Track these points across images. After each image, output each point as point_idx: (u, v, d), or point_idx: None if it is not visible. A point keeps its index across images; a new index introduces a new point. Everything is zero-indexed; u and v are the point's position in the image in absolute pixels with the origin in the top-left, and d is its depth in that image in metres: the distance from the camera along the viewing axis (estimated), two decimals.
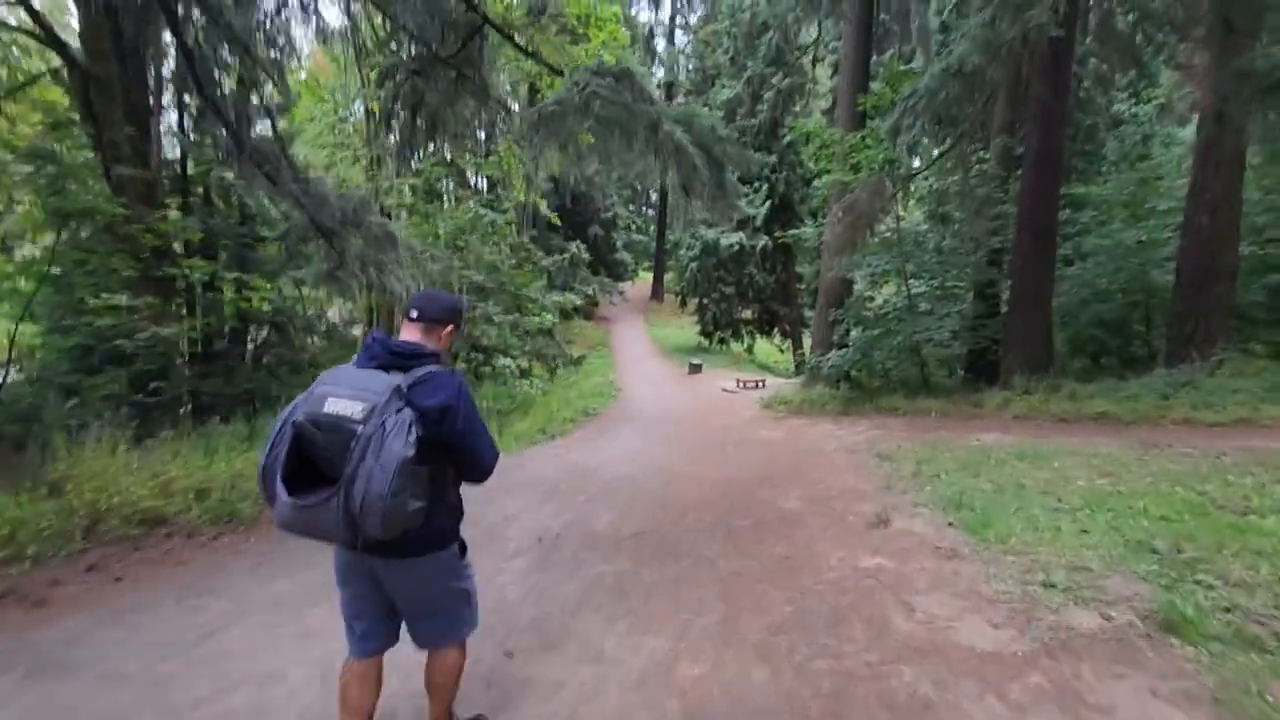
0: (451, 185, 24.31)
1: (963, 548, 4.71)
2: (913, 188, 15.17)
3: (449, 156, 25.45)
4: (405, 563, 2.30)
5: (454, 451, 2.32)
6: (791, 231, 18.07)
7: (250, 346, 17.37)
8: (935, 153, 15.11)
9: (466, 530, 2.63)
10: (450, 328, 2.55)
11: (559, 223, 22.56)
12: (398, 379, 2.16)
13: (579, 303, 19.19)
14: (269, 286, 14.10)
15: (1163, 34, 17.79)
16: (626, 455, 10.59)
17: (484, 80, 9.21)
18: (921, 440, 9.10)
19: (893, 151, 11.42)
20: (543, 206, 20.30)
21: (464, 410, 2.29)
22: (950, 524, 5.14)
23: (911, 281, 14.20)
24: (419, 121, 9.54)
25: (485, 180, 29.05)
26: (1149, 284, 13.44)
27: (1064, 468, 6.57)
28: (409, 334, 2.43)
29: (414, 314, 2.47)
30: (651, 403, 20.19)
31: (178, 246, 12.19)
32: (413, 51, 9.08)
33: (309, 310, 23.73)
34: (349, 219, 9.11)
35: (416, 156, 24.33)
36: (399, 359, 2.28)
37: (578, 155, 8.44)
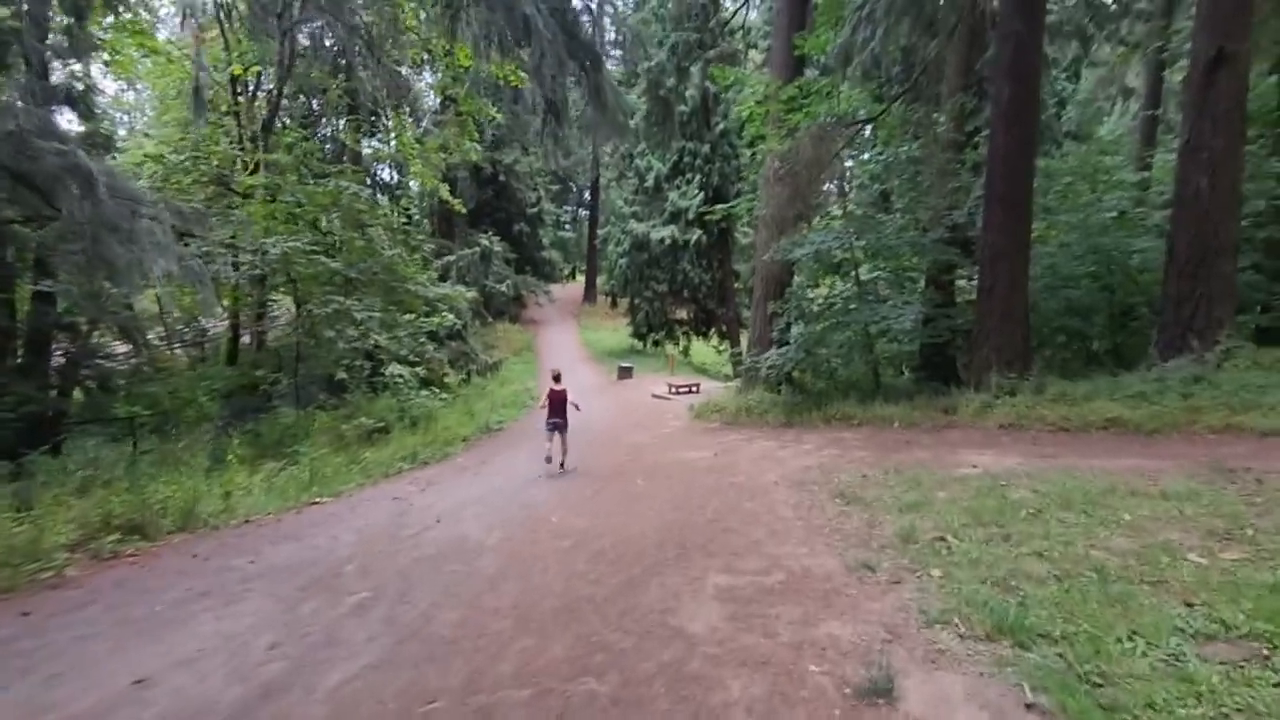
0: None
1: None
2: (865, 157, 12.70)
3: (344, 139, 21.89)
4: None
5: None
6: (720, 206, 15.35)
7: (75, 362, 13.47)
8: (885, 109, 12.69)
9: None
10: None
11: (462, 210, 19.23)
12: None
13: (469, 296, 15.99)
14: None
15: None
16: (494, 497, 7.53)
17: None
18: (893, 466, 6.41)
19: (840, 81, 8.79)
20: (444, 191, 17.00)
21: None
22: (1029, 704, 2.35)
23: (862, 265, 11.69)
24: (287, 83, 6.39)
25: (393, 169, 25.52)
26: (1126, 265, 11.33)
27: (1141, 522, 3.93)
28: None
29: None
30: (571, 414, 17.16)
31: None
32: None
33: (171, 314, 19.74)
34: (73, 173, 5.85)
35: (282, 125, 20.68)
36: None
37: None
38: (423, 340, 17.02)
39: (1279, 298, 10.88)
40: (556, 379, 9.64)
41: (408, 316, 16.48)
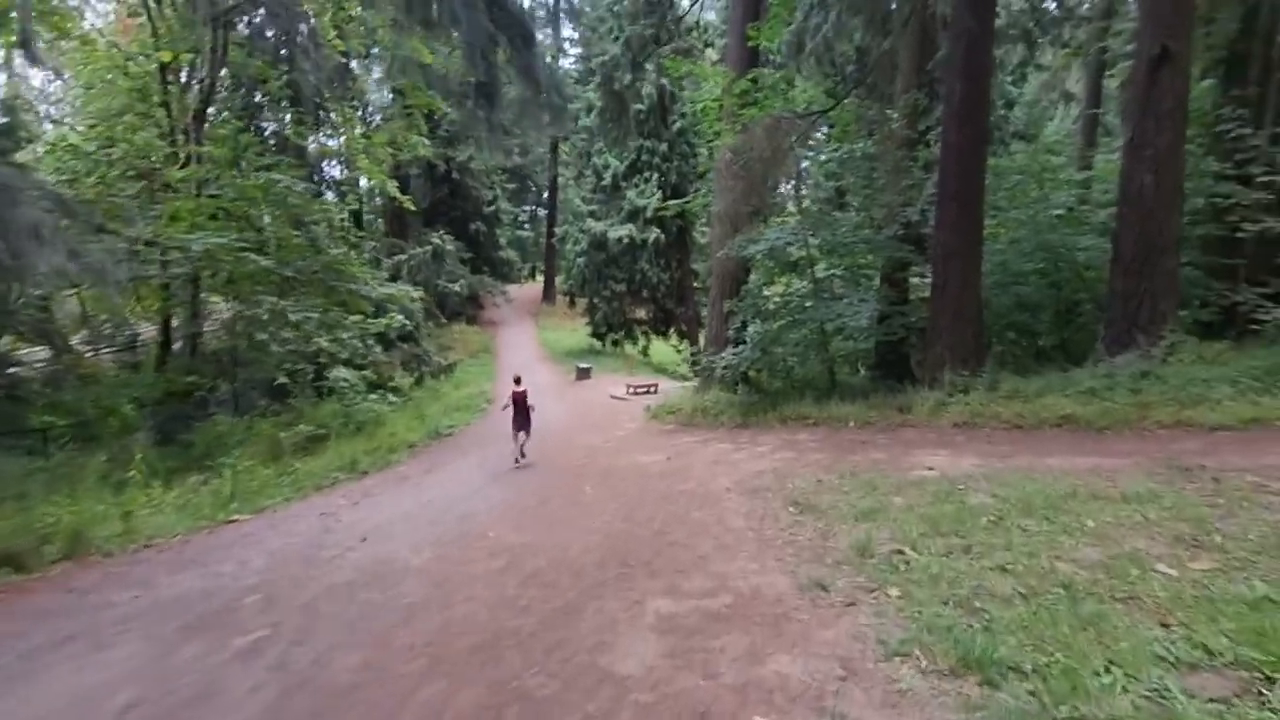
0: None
1: None
2: (822, 158, 12.50)
3: (289, 135, 20.77)
4: None
5: None
6: (675, 201, 14.97)
7: None
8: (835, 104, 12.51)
9: None
10: None
11: (412, 207, 18.44)
12: None
13: (416, 296, 15.28)
14: None
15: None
16: (430, 510, 7.00)
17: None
18: (849, 469, 6.14)
19: (795, 73, 8.53)
20: (391, 188, 16.20)
21: None
22: None
23: (819, 263, 11.49)
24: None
25: (341, 166, 24.46)
26: (1073, 262, 11.42)
27: (1105, 529, 3.69)
28: None
29: None
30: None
31: None
32: None
33: (98, 318, 18.40)
34: None
35: (221, 118, 19.53)
36: None
37: None
38: (370, 342, 16.23)
39: (1216, 293, 11.11)
40: (517, 382, 10.53)
41: (354, 318, 15.69)
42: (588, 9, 30.40)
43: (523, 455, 9.81)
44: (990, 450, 6.42)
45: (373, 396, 16.47)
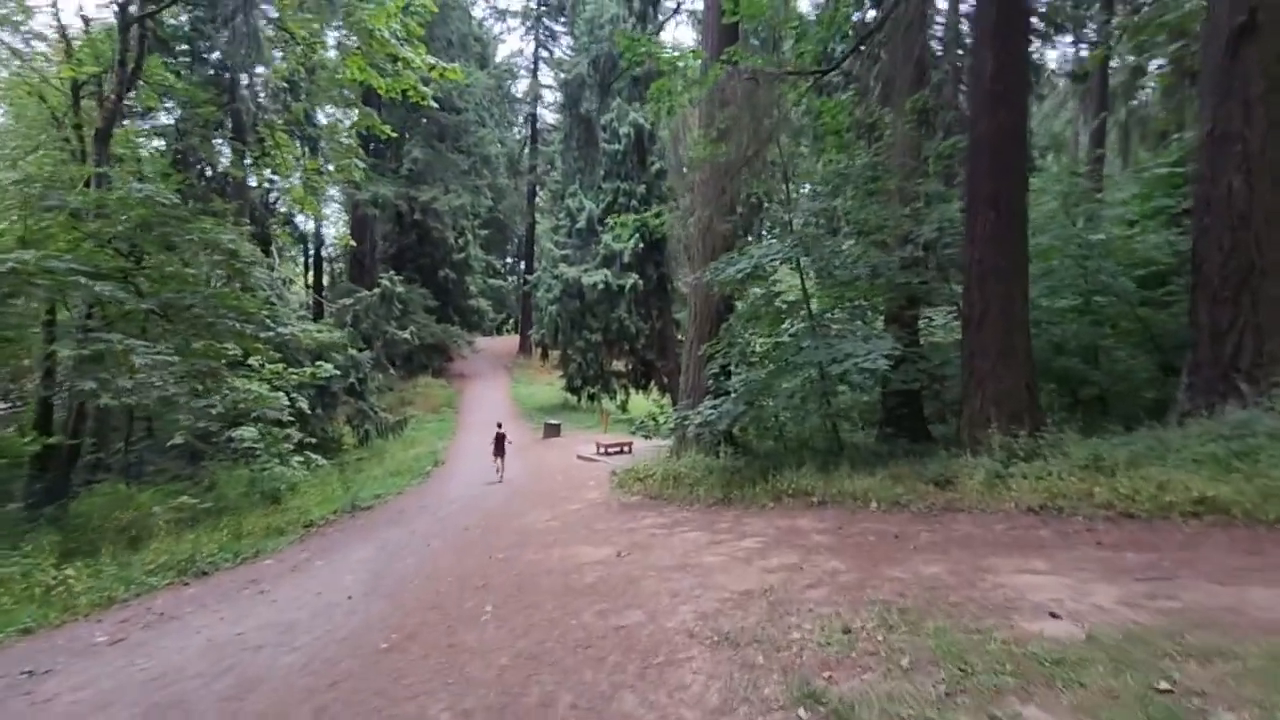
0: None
1: None
2: (818, 163, 10.36)
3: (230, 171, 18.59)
4: None
5: None
6: (633, 217, 12.59)
7: None
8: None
9: None
10: None
11: (352, 243, 16.19)
12: None
13: (335, 338, 12.75)
14: None
15: None
16: (221, 655, 4.32)
17: None
18: (893, 601, 3.57)
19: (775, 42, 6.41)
20: (313, 207, 13.93)
21: None
22: None
23: (813, 297, 9.16)
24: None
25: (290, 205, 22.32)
26: (1126, 294, 9.18)
27: None
28: None
29: None
30: (468, 484, 13.91)
31: None
32: None
33: None
34: None
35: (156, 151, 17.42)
36: None
37: None
38: (294, 396, 13.60)
39: None
40: (500, 426, 14.60)
41: (275, 366, 13.11)
42: (568, 55, 29.32)
43: (499, 477, 13.38)
44: (1113, 562, 3.88)
45: (298, 459, 13.75)
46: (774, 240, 8.33)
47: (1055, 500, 5.28)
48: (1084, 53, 17.01)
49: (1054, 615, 2.99)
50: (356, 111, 15.53)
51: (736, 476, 8.60)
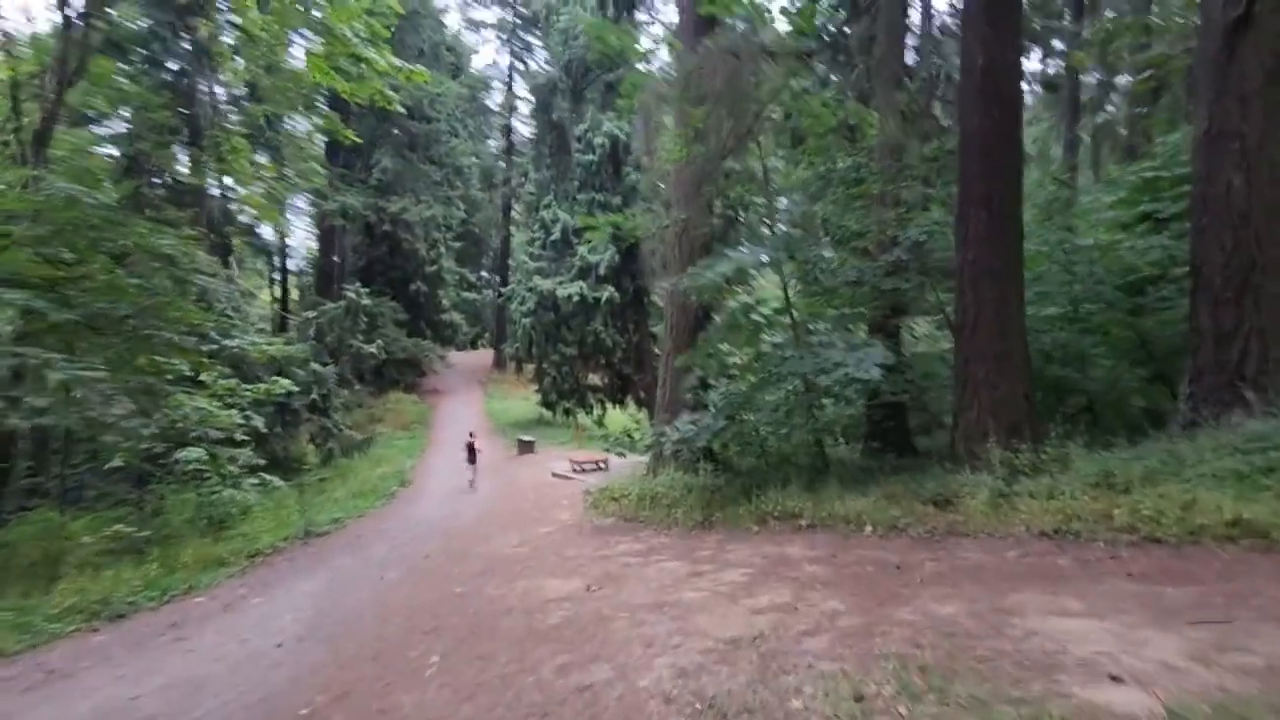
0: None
1: None
2: (797, 168, 9.92)
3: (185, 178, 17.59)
4: None
5: None
6: (607, 219, 11.83)
7: None
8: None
9: None
10: None
11: (314, 249, 15.34)
12: None
13: (285, 348, 11.89)
14: None
15: None
16: None
17: None
18: (907, 653, 2.99)
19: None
20: (273, 216, 13.12)
21: None
22: None
23: (797, 303, 8.64)
24: None
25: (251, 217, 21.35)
26: (1118, 301, 8.84)
27: None
28: None
29: None
30: (435, 504, 13.08)
31: None
32: None
33: None
34: None
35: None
36: None
37: None
38: (246, 413, 12.68)
39: None
40: (471, 435, 15.94)
41: (229, 383, 12.22)
42: (544, 67, 28.83)
43: (472, 485, 14.45)
44: (1155, 599, 3.33)
45: (251, 481, 12.82)
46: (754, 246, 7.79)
47: (1070, 523, 4.75)
48: (1051, 69, 17.07)
49: (1115, 678, 2.41)
50: (321, 118, 14.75)
51: (717, 496, 7.99)
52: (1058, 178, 11.15)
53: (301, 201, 20.95)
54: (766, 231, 8.50)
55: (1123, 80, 16.98)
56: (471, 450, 14.93)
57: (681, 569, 5.47)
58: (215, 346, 9.63)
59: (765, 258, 7.17)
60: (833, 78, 9.98)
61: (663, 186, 8.48)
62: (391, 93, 13.98)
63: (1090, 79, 17.74)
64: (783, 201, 10.79)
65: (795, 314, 8.58)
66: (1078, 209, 11.18)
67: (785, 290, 8.44)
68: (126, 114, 15.92)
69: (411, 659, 4.35)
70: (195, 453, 11.46)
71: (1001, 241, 6.74)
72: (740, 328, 9.30)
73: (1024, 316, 7.05)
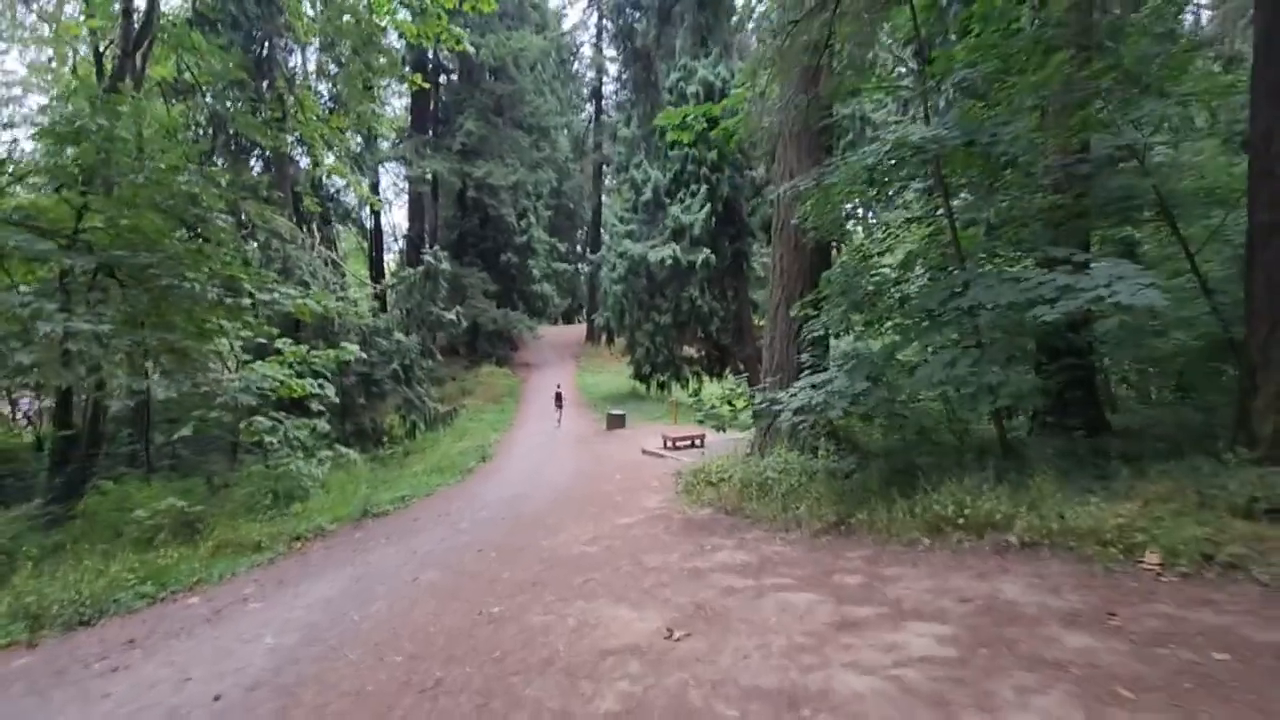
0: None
1: None
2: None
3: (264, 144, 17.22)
4: None
5: None
6: (694, 109, 9.20)
7: None
8: None
9: None
10: None
11: (379, 207, 14.38)
12: None
13: (331, 305, 10.70)
14: None
15: None
16: None
17: None
18: None
19: None
20: (363, 188, 12.09)
21: None
22: None
23: (957, 208, 6.10)
24: None
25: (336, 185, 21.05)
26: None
27: None
28: None
29: None
30: (513, 483, 11.65)
31: None
32: None
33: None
34: None
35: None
36: None
37: None
38: (320, 382, 11.85)
39: None
40: (559, 386, 19.91)
41: (297, 349, 11.43)
42: (638, 25, 26.75)
43: (558, 424, 18.06)
44: None
45: (326, 454, 12.06)
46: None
47: None
48: None
49: None
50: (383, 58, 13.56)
51: (850, 488, 5.75)
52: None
53: (390, 176, 20.32)
54: (918, 124, 5.93)
55: None
56: (559, 398, 18.58)
57: (818, 609, 3.37)
58: (247, 302, 8.42)
59: (925, 134, 4.71)
60: None
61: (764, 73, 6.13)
62: (459, 30, 12.48)
63: None
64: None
65: (955, 224, 5.99)
66: None
67: (948, 204, 5.90)
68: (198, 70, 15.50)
69: None
70: (263, 423, 10.69)
71: None
72: (871, 258, 6.86)
73: None
